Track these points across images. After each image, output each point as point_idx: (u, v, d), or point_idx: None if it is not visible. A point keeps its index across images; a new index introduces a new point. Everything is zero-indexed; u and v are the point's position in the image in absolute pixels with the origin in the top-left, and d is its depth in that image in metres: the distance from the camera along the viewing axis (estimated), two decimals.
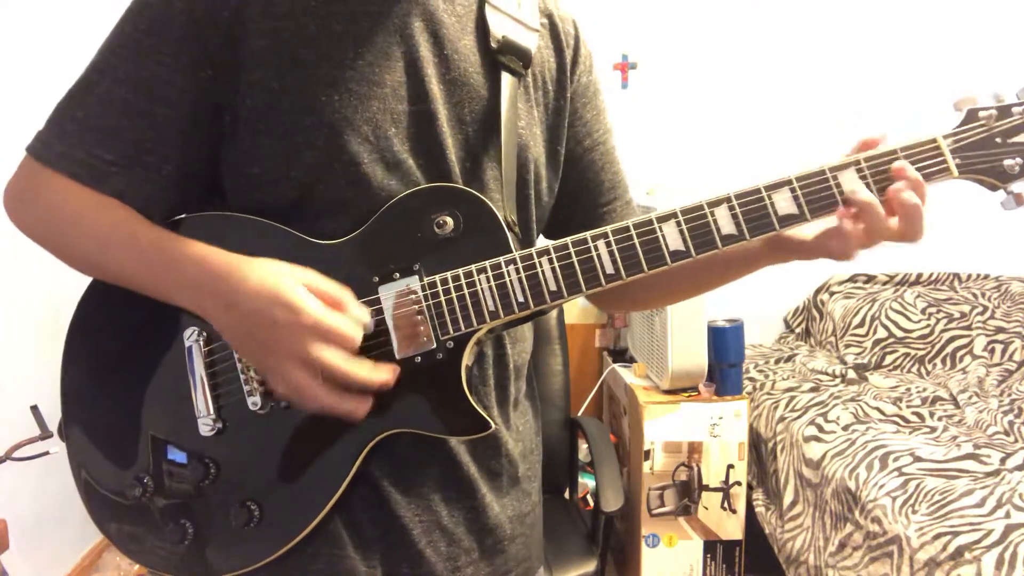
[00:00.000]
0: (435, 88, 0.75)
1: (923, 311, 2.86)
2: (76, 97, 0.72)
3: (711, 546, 2.29)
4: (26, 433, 1.64)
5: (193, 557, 0.76)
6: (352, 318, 0.68)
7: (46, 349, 2.12)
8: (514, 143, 0.79)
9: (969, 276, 3.05)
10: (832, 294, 3.07)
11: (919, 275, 3.07)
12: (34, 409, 1.66)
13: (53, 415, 1.81)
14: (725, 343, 2.27)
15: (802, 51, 3.05)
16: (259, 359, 0.70)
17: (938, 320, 2.83)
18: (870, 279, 3.10)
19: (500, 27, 0.80)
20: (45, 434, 1.63)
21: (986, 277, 3.02)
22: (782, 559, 2.19)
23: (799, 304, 3.21)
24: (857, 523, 1.84)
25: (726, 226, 0.71)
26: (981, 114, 0.72)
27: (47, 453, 1.62)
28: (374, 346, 0.72)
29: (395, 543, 0.78)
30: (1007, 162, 0.71)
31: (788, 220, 0.71)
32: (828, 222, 0.73)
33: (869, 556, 1.78)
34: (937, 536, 1.59)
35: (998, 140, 0.72)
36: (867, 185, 0.71)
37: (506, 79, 0.79)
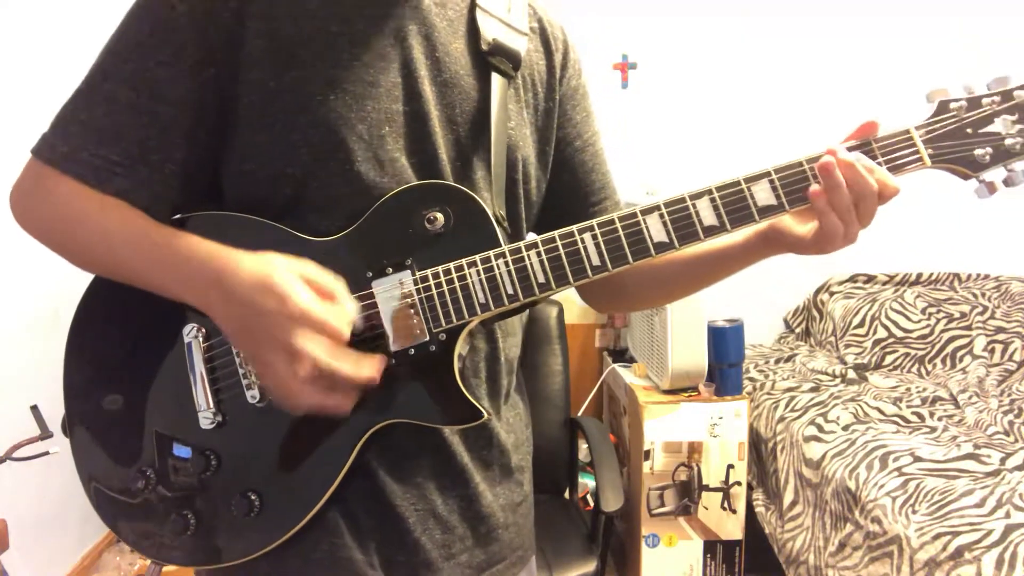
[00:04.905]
0: (427, 89, 0.77)
1: (923, 311, 2.86)
2: (80, 99, 0.73)
3: (711, 546, 2.29)
4: (26, 433, 1.64)
5: (196, 547, 0.77)
6: (342, 311, 0.69)
7: (46, 349, 2.12)
8: (503, 142, 0.81)
9: (969, 276, 3.05)
10: (832, 294, 3.07)
11: (919, 275, 3.07)
12: (34, 409, 1.66)
13: (53, 415, 1.81)
14: (725, 343, 2.27)
15: (802, 50, 3.05)
16: (250, 350, 0.70)
17: (938, 320, 2.83)
18: (870, 279, 3.10)
19: (491, 30, 0.82)
20: (45, 434, 1.63)
21: (986, 277, 3.03)
22: (782, 559, 2.19)
23: (799, 304, 3.21)
24: (857, 523, 1.84)
25: (708, 217, 0.73)
26: (952, 105, 0.74)
27: (47, 453, 1.62)
28: (368, 340, 0.73)
29: (390, 532, 0.80)
30: (977, 151, 0.74)
31: (768, 211, 0.73)
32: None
33: (869, 556, 1.78)
34: (937, 536, 1.59)
35: (968, 131, 0.74)
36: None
37: (496, 80, 0.81)
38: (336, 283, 0.70)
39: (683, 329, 2.21)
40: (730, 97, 3.07)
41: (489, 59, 0.81)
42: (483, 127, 0.80)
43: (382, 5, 0.76)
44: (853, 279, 3.10)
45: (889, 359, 2.79)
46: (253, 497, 0.75)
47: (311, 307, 0.66)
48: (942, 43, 3.01)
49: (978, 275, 3.04)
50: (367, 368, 0.69)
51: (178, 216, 0.78)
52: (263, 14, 0.72)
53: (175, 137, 0.73)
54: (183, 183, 0.75)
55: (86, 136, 0.72)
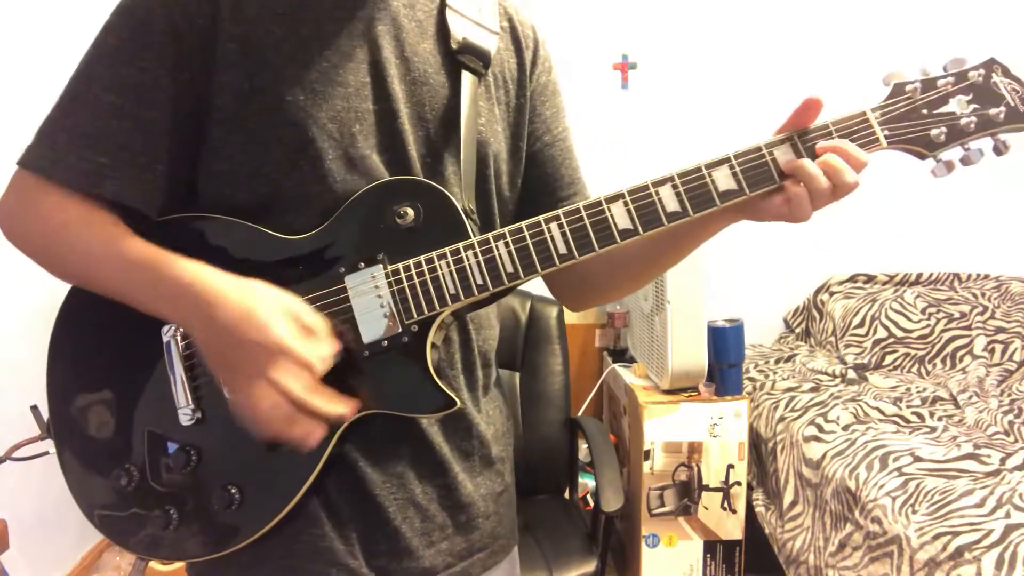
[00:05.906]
0: (397, 88, 0.79)
1: (923, 311, 2.86)
2: (64, 107, 0.75)
3: (711, 546, 2.29)
4: (26, 433, 1.64)
5: (179, 541, 0.79)
6: (320, 347, 0.70)
7: (46, 349, 2.12)
8: (473, 138, 0.83)
9: (969, 276, 3.05)
10: (832, 294, 3.07)
11: (919, 275, 3.07)
12: (34, 409, 1.66)
13: None
14: (725, 343, 2.28)
15: (802, 50, 3.05)
16: (226, 377, 0.72)
17: (938, 320, 2.83)
18: (870, 279, 3.10)
19: (460, 30, 0.85)
20: (45, 434, 1.63)
21: (986, 277, 3.03)
22: (782, 559, 2.19)
23: (799, 304, 3.21)
24: (857, 523, 1.84)
25: (671, 204, 0.75)
26: (907, 87, 0.76)
27: (47, 453, 1.61)
28: (342, 333, 0.75)
29: (371, 522, 0.81)
30: (933, 131, 0.75)
31: (728, 195, 0.75)
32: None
33: (869, 556, 1.78)
34: (937, 536, 1.59)
35: (924, 111, 0.75)
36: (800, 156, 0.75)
37: (466, 78, 0.83)
38: (319, 320, 0.72)
39: (683, 329, 2.21)
40: (731, 97, 3.07)
41: (459, 58, 0.83)
42: (453, 124, 0.82)
43: (351, 7, 0.78)
44: (853, 279, 3.10)
45: (889, 359, 2.79)
46: (233, 490, 0.77)
47: (288, 340, 0.68)
48: (948, 47, 3.01)
49: (978, 275, 3.04)
50: (340, 405, 0.71)
51: (154, 221, 0.79)
52: (234, 18, 0.74)
53: (159, 139, 0.74)
54: (170, 184, 0.76)
55: (73, 142, 0.73)
